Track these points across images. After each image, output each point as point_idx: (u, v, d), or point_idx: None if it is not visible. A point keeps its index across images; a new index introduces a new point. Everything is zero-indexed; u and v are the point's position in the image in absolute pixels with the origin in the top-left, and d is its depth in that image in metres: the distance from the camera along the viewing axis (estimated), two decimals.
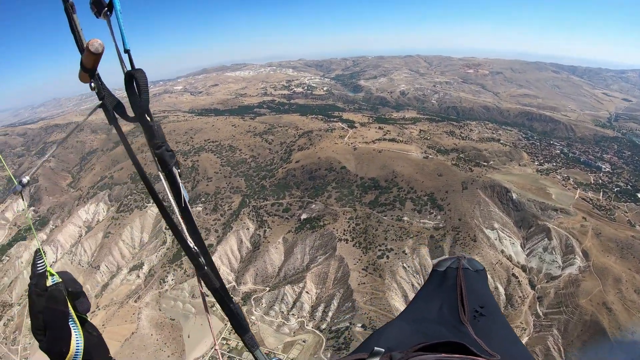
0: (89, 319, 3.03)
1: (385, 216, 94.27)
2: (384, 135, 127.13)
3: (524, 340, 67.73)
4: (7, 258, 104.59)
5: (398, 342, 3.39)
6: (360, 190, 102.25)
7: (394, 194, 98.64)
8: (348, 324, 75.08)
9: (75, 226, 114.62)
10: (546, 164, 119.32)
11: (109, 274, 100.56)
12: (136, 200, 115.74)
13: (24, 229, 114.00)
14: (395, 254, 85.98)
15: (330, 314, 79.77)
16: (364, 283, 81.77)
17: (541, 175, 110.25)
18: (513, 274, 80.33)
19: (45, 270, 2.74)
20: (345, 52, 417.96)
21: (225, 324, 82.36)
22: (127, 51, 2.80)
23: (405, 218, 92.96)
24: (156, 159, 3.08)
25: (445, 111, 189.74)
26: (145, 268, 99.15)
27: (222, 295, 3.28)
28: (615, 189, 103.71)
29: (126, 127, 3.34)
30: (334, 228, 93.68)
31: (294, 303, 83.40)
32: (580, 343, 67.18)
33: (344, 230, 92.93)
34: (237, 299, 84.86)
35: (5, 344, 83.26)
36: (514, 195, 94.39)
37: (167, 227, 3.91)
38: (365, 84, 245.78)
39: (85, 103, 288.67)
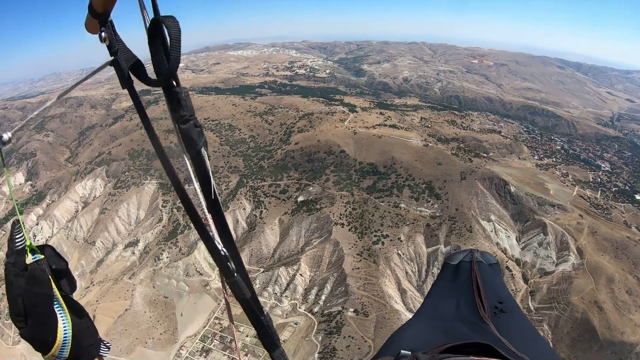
0: (76, 299, 2.58)
1: (382, 202, 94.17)
2: (385, 121, 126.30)
3: None
4: (3, 232, 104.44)
5: (420, 343, 3.12)
6: (358, 175, 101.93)
7: (392, 181, 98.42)
8: (340, 308, 75.66)
9: (71, 201, 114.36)
10: (546, 159, 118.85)
11: (105, 250, 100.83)
12: (133, 177, 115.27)
13: (21, 203, 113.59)
14: (391, 240, 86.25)
15: (323, 297, 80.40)
16: (358, 268, 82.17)
17: (540, 170, 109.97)
18: (507, 267, 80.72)
19: (25, 246, 2.28)
20: (350, 36, 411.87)
21: (219, 303, 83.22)
22: None
23: (402, 205, 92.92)
24: (180, 136, 2.27)
25: (447, 100, 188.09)
26: (141, 245, 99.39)
27: (252, 306, 2.75)
28: (614, 189, 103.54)
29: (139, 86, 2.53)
30: (330, 212, 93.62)
31: (288, 285, 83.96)
32: (570, 340, 68.09)
33: (341, 215, 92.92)
34: None
35: (0, 317, 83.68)
36: (512, 189, 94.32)
37: (190, 221, 3.16)
38: (368, 68, 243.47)
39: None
